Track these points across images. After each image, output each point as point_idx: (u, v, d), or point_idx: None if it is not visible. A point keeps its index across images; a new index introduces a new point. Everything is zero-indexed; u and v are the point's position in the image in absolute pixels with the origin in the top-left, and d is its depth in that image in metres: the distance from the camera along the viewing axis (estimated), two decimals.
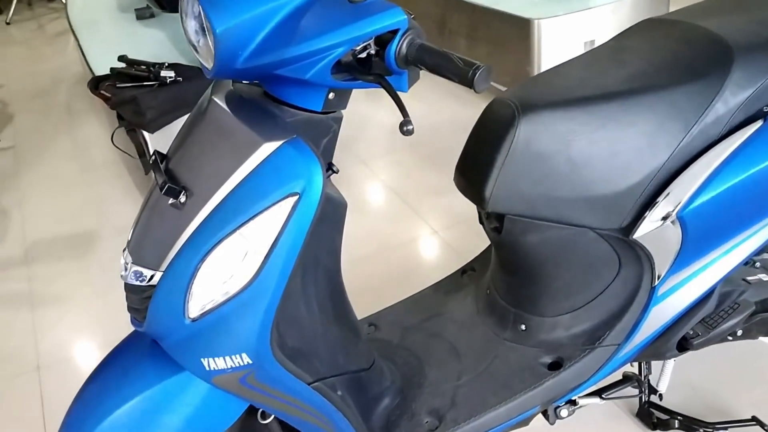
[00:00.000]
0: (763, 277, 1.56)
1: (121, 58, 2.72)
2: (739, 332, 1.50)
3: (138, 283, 1.09)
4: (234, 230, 1.01)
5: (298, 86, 1.05)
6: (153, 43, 3.12)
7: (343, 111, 1.18)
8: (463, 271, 1.72)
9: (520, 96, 1.31)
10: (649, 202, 1.30)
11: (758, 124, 1.31)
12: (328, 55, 0.95)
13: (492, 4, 3.18)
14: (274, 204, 1.01)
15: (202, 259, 1.02)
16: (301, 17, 0.96)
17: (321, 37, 0.95)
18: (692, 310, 1.41)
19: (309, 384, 1.15)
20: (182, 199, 1.05)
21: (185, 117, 2.50)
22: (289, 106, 1.07)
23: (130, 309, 1.13)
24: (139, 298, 1.10)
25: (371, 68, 0.99)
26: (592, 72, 1.38)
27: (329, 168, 1.12)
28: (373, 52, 0.98)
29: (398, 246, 2.49)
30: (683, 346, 1.43)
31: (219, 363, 1.08)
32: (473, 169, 1.33)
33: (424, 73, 1.03)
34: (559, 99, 1.30)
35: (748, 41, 1.33)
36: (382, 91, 1.00)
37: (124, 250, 1.14)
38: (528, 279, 1.45)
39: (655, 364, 1.63)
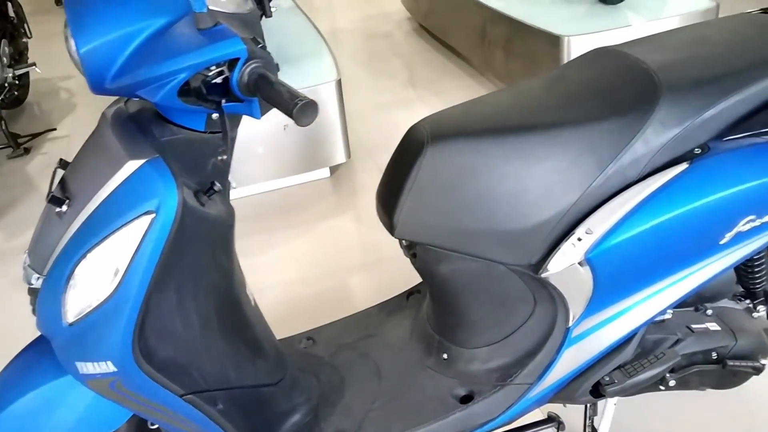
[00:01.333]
0: (711, 326, 1.47)
1: None
2: (672, 383, 1.42)
3: (32, 285, 1.15)
4: (98, 243, 1.05)
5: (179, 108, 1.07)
6: None
7: (235, 131, 1.20)
8: (409, 293, 1.71)
9: (434, 123, 1.29)
10: (559, 241, 1.25)
11: (682, 167, 1.24)
12: (173, 80, 0.98)
13: (527, 19, 3.12)
14: (131, 221, 1.04)
15: (73, 268, 1.07)
16: (158, 42, 0.99)
17: (166, 62, 0.97)
18: (608, 356, 1.35)
19: (181, 396, 1.18)
20: (64, 208, 1.10)
21: None
22: (173, 125, 1.11)
23: (33, 310, 1.19)
24: (34, 299, 1.16)
25: (221, 94, 1.01)
26: (517, 102, 1.34)
27: (210, 188, 1.14)
28: (219, 80, 0.99)
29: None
30: (598, 392, 1.37)
31: (89, 368, 1.12)
32: (386, 195, 1.32)
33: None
34: (471, 129, 1.27)
35: (679, 79, 1.26)
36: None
37: (25, 251, 1.20)
38: (448, 308, 1.43)
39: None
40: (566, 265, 1.24)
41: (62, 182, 1.16)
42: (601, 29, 2.92)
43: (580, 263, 1.23)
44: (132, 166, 1.05)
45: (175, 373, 1.17)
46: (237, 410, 1.29)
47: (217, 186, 1.16)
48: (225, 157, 1.17)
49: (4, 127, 3.57)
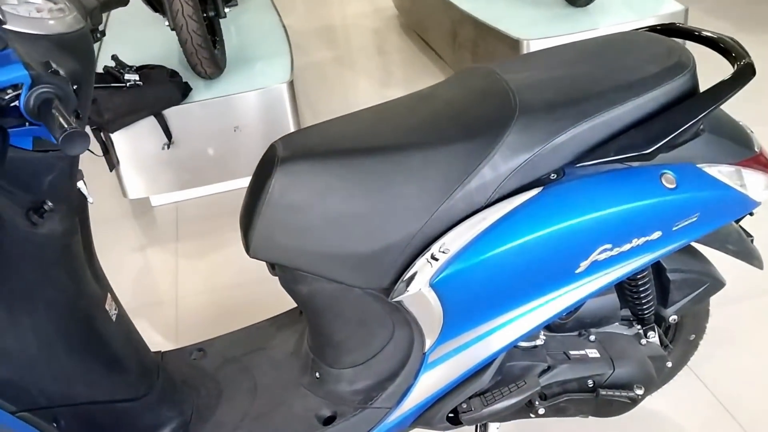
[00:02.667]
0: (591, 353, 1.44)
1: (113, 58, 2.84)
2: (541, 410, 1.39)
3: None
4: None
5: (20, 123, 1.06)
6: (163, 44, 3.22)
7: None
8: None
9: (289, 142, 1.27)
10: (407, 266, 1.23)
11: (533, 192, 1.20)
12: None
13: (491, 21, 3.06)
14: None
15: None
16: None
17: None
18: (464, 383, 1.32)
19: (13, 413, 1.18)
20: None
21: (149, 118, 2.61)
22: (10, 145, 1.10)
23: None
24: None
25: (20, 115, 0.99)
26: (377, 122, 1.31)
27: (41, 206, 1.13)
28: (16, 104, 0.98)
29: None
30: (456, 419, 1.35)
31: None
32: (243, 214, 1.30)
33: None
34: (322, 150, 1.25)
35: (533, 102, 1.21)
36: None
37: None
38: (316, 328, 1.41)
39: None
40: (413, 291, 1.21)
41: None
42: (564, 33, 2.85)
43: (428, 292, 1.20)
44: None
45: (5, 389, 1.17)
46: (84, 427, 1.28)
47: (48, 205, 1.15)
48: (60, 173, 1.15)
49: None
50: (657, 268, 1.47)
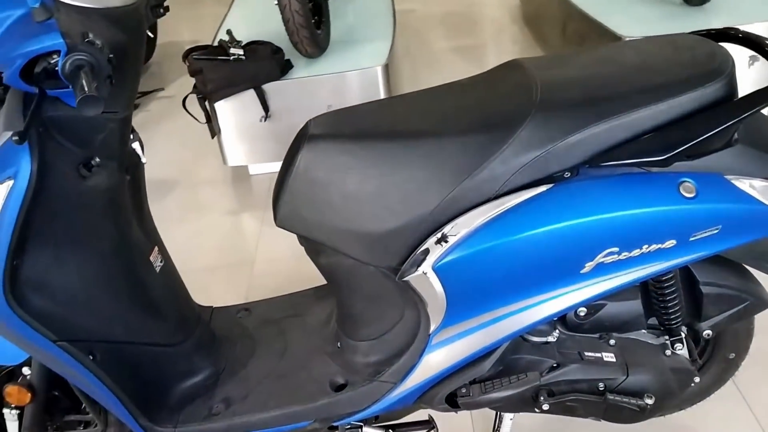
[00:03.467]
0: (607, 356, 1.42)
1: (227, 32, 3.03)
2: (545, 406, 1.40)
3: None
4: None
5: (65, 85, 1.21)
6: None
7: (128, 112, 1.32)
8: None
9: (320, 122, 1.35)
10: (414, 248, 1.28)
11: (543, 188, 1.21)
12: (12, 65, 1.11)
13: (599, 16, 2.99)
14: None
15: None
16: (14, 29, 1.13)
17: (4, 49, 1.11)
18: (464, 368, 1.35)
19: (54, 341, 1.34)
20: None
21: (247, 92, 2.78)
22: (60, 102, 1.25)
23: None
24: None
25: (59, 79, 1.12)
26: (404, 109, 1.36)
27: (90, 161, 1.28)
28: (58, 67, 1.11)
29: None
30: (454, 401, 1.38)
31: None
32: (276, 185, 1.39)
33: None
34: (347, 131, 1.32)
35: (553, 99, 1.22)
36: None
37: None
38: (338, 299, 1.49)
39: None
40: (417, 273, 1.26)
41: None
42: (670, 32, 2.74)
43: (430, 275, 1.25)
44: (5, 136, 1.20)
45: (49, 320, 1.32)
46: (118, 363, 1.42)
47: (96, 161, 1.29)
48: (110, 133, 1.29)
49: None
50: (689, 279, 1.43)
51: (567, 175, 1.22)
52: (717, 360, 1.60)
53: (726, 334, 1.56)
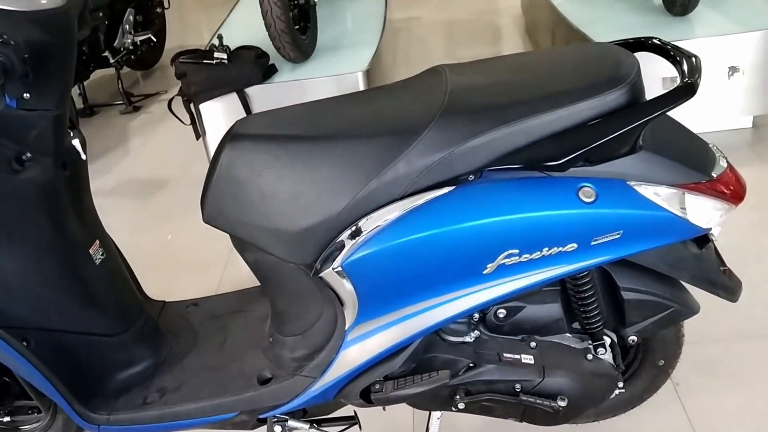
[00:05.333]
0: (525, 358, 1.45)
1: (218, 37, 3.11)
2: (461, 405, 1.43)
3: None
4: None
5: None
6: None
7: (61, 110, 1.38)
8: None
9: (243, 123, 1.40)
10: (326, 247, 1.32)
11: (445, 190, 1.25)
12: None
13: (582, 25, 3.01)
14: None
15: None
16: None
17: None
18: (377, 365, 1.39)
19: None
20: None
21: (231, 95, 2.85)
22: None
23: None
24: None
25: None
26: (325, 112, 1.41)
27: (20, 158, 1.34)
28: None
29: None
30: (367, 395, 1.42)
31: None
32: (204, 182, 1.44)
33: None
34: (267, 132, 1.36)
35: (458, 104, 1.25)
36: None
37: None
38: (268, 296, 1.53)
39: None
40: (327, 270, 1.30)
41: None
42: None
43: (339, 272, 1.29)
44: None
45: None
46: (53, 350, 1.48)
47: (28, 155, 1.35)
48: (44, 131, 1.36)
49: (120, 86, 4.07)
50: (610, 284, 1.44)
51: (471, 178, 1.25)
52: (647, 367, 1.61)
53: (654, 340, 1.57)
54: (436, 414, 1.58)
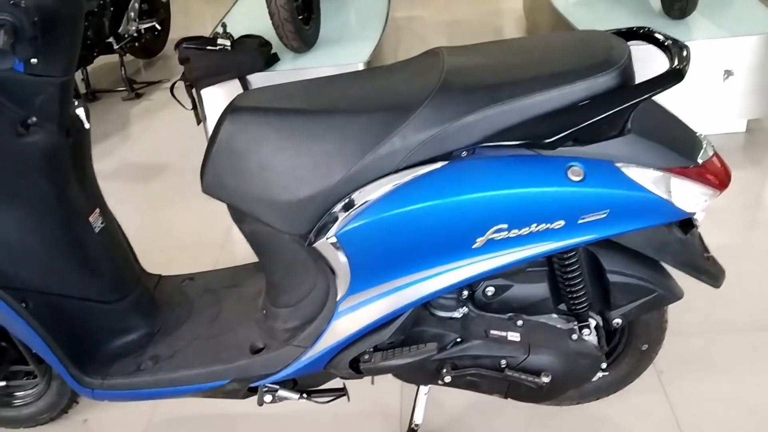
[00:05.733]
0: (512, 336, 1.48)
1: (222, 25, 3.14)
2: (447, 378, 1.46)
3: None
4: None
5: None
6: None
7: (68, 77, 1.42)
8: None
9: (243, 97, 1.44)
10: (320, 217, 1.35)
11: (438, 164, 1.28)
12: None
13: (580, 25, 3.05)
14: None
15: None
16: None
17: None
18: (367, 335, 1.42)
19: None
20: None
21: (233, 81, 2.88)
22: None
23: None
24: None
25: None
26: (324, 88, 1.44)
27: (25, 122, 1.38)
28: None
29: None
30: (357, 367, 1.45)
31: None
32: (204, 154, 1.48)
33: None
34: (266, 105, 1.40)
35: (453, 83, 1.29)
36: None
37: None
38: (263, 267, 1.57)
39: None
40: (321, 240, 1.33)
41: None
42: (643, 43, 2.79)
43: (333, 242, 1.32)
44: None
45: None
46: (51, 313, 1.52)
47: (33, 120, 1.39)
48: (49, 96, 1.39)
49: (123, 73, 4.11)
50: (596, 266, 1.48)
51: (463, 154, 1.29)
52: (630, 351, 1.65)
53: (638, 325, 1.60)
54: (423, 389, 1.62)
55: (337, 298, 1.41)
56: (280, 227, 1.41)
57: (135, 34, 4.12)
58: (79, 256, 1.55)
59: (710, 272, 1.47)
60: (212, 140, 1.41)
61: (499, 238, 1.29)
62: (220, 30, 3.05)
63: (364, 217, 1.29)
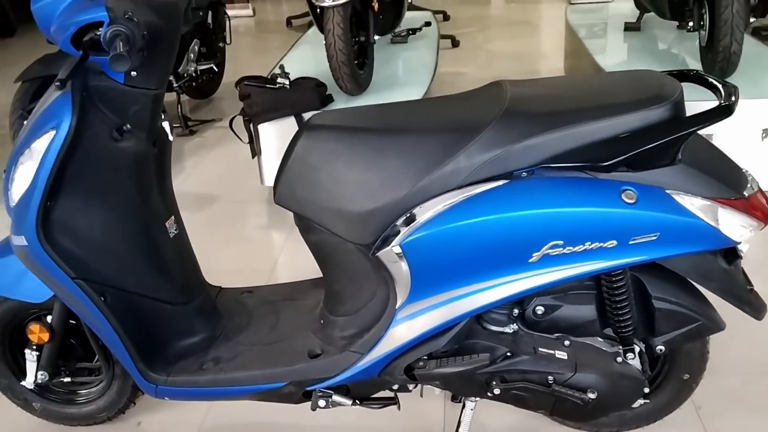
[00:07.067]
0: (559, 354, 1.55)
1: (280, 67, 3.32)
2: (497, 390, 1.53)
3: None
4: (27, 145, 1.48)
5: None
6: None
7: (160, 90, 1.55)
8: None
9: (319, 117, 1.57)
10: (386, 228, 1.45)
11: (500, 182, 1.39)
12: (66, 32, 1.36)
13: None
14: (44, 133, 1.45)
15: (13, 168, 1.51)
16: (73, 4, 1.38)
17: (62, 19, 1.36)
18: (423, 343, 1.50)
19: (72, 278, 1.55)
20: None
21: (289, 118, 3.03)
22: (104, 74, 1.49)
23: None
24: None
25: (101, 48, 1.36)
26: (395, 112, 1.57)
27: (120, 128, 1.51)
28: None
29: None
30: (410, 372, 1.53)
31: (16, 240, 1.54)
32: (279, 168, 1.60)
33: None
34: (340, 124, 1.53)
35: (517, 109, 1.40)
36: None
37: None
38: (325, 277, 1.67)
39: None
40: (387, 249, 1.43)
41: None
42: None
43: (397, 251, 1.42)
44: (55, 95, 1.45)
45: (70, 259, 1.54)
46: (125, 309, 1.62)
47: (127, 127, 1.52)
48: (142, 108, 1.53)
49: (179, 110, 4.31)
50: (642, 292, 1.55)
51: (523, 174, 1.39)
52: (671, 379, 1.70)
53: (680, 354, 1.66)
54: (469, 406, 1.68)
55: (396, 306, 1.50)
56: (347, 237, 1.51)
57: (194, 74, 4.32)
58: (154, 257, 1.67)
59: (753, 304, 1.53)
60: (287, 155, 1.53)
61: (554, 253, 1.38)
62: (278, 71, 3.23)
63: (428, 228, 1.39)
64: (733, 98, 1.37)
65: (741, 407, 1.90)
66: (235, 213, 3.28)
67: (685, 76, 1.54)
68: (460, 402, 1.76)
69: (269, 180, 3.23)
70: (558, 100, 1.44)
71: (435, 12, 5.38)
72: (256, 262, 2.83)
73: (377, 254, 1.46)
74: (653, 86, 1.43)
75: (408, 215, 1.42)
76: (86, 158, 1.49)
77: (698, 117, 1.34)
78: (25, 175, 1.49)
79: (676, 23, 3.59)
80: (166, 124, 1.67)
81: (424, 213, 1.41)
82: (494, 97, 1.48)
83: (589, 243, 1.37)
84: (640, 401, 1.66)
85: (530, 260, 1.39)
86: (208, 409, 2.01)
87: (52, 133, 1.44)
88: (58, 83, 1.38)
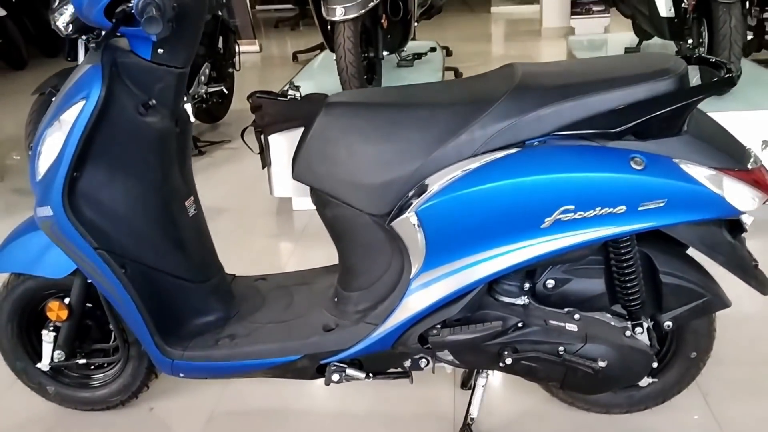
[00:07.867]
0: (569, 326, 1.58)
1: (290, 83, 3.41)
2: (508, 360, 1.56)
3: None
4: (53, 122, 1.53)
5: (134, 39, 1.53)
6: None
7: (184, 69, 1.61)
8: None
9: (338, 95, 1.63)
10: (402, 197, 1.50)
11: (513, 149, 1.44)
12: (99, 3, 1.43)
13: None
14: (74, 103, 1.51)
15: (41, 141, 1.56)
16: None
17: None
18: (437, 311, 1.53)
19: (95, 249, 1.59)
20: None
21: (300, 129, 3.10)
22: (132, 52, 1.56)
23: None
24: None
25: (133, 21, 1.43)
26: (412, 90, 1.64)
27: (146, 103, 1.57)
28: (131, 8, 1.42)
29: None
30: (425, 340, 1.56)
31: (41, 211, 1.59)
32: (297, 145, 1.66)
33: None
34: (357, 101, 1.59)
35: (529, 83, 1.47)
36: None
37: None
38: (339, 253, 1.71)
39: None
40: (403, 216, 1.48)
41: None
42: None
43: (413, 219, 1.47)
44: (84, 69, 1.52)
45: (93, 229, 1.59)
46: (145, 282, 1.66)
47: (152, 102, 1.58)
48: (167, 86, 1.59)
49: None
50: (651, 268, 1.59)
51: (535, 143, 1.45)
52: (679, 358, 1.73)
53: (687, 332, 1.69)
54: (480, 383, 1.71)
55: (411, 275, 1.54)
56: (363, 207, 1.56)
57: (204, 96, 4.42)
58: (173, 234, 1.71)
59: (758, 278, 1.57)
60: (305, 133, 1.59)
61: (566, 219, 1.42)
62: (288, 86, 3.31)
63: (443, 195, 1.44)
64: (736, 73, 1.43)
65: (748, 394, 1.92)
66: (244, 223, 3.33)
67: (689, 59, 1.60)
68: (469, 389, 1.79)
69: (279, 191, 3.29)
70: (569, 75, 1.50)
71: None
72: (265, 270, 2.86)
73: (392, 224, 1.50)
74: (659, 62, 1.49)
75: (423, 184, 1.47)
76: (113, 130, 1.55)
77: (703, 87, 1.41)
78: (52, 147, 1.54)
79: (675, 49, 3.69)
80: (188, 106, 1.73)
81: (439, 180, 1.46)
82: (507, 75, 1.54)
83: (599, 208, 1.41)
84: (648, 380, 1.68)
85: (542, 225, 1.43)
86: (221, 394, 2.03)
87: (82, 103, 1.50)
88: (93, 45, 1.44)
